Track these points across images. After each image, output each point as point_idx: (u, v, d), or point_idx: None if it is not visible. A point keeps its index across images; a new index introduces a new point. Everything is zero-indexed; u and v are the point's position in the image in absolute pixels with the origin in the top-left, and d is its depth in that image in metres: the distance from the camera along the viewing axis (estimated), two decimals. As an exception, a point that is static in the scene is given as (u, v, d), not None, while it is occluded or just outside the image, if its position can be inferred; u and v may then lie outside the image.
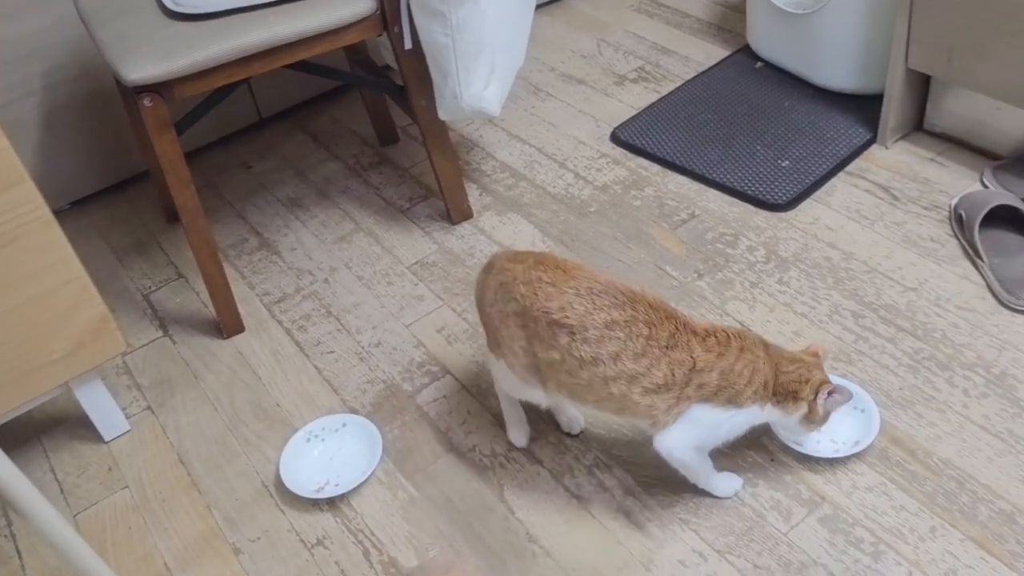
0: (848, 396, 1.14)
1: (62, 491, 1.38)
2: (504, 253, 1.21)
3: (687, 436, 1.11)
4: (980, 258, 1.44)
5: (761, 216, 1.64)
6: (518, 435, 1.32)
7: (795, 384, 1.12)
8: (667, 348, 1.08)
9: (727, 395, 1.09)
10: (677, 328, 1.09)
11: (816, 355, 1.17)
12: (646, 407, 1.09)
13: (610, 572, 1.15)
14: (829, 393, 1.12)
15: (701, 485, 1.20)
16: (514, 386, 1.22)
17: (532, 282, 1.12)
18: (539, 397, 1.19)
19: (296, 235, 1.79)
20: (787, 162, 1.73)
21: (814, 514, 1.18)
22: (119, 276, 1.77)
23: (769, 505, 1.20)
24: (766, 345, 1.14)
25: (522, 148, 1.91)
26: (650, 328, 1.08)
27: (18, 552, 1.31)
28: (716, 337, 1.10)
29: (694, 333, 1.09)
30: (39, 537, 1.06)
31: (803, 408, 1.12)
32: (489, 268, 1.20)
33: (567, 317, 1.08)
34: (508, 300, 1.13)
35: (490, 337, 1.21)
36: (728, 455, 1.24)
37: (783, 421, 1.15)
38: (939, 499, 1.17)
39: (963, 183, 1.62)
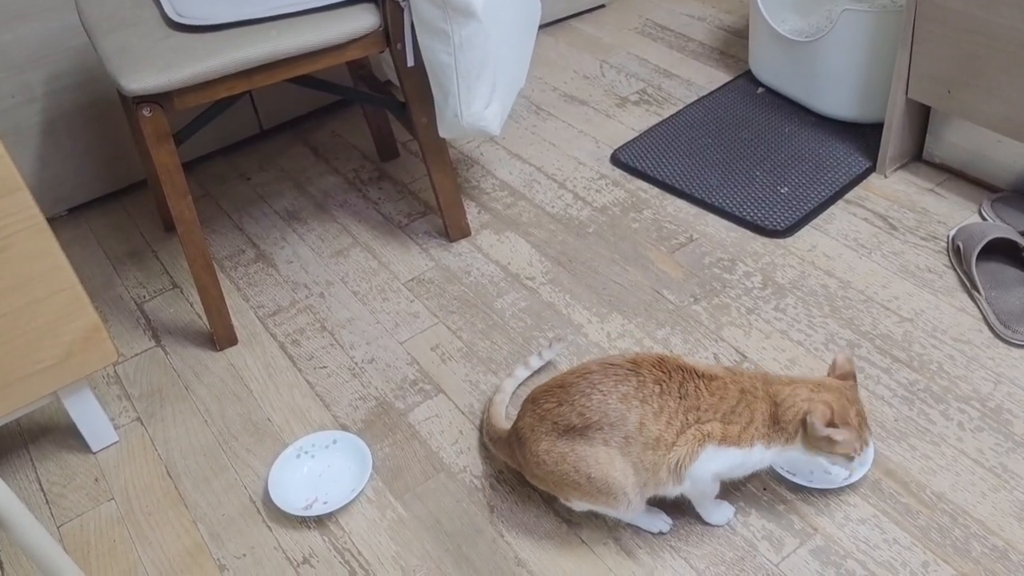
0: (827, 412, 1.07)
1: (47, 501, 1.37)
2: (498, 444, 1.26)
3: (707, 470, 1.11)
4: (977, 290, 1.44)
5: (759, 242, 1.63)
6: (660, 521, 1.21)
7: (788, 411, 1.10)
8: (681, 398, 1.10)
9: (731, 436, 1.10)
10: (685, 376, 1.11)
11: (846, 375, 1.14)
12: (675, 464, 1.10)
13: (598, 599, 1.14)
14: (804, 416, 1.08)
15: (698, 509, 1.20)
16: (634, 496, 1.13)
17: (546, 416, 1.13)
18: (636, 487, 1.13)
19: (293, 248, 1.78)
20: (786, 188, 1.73)
21: (806, 545, 1.17)
22: (114, 284, 1.76)
23: (761, 535, 1.18)
24: (767, 381, 1.13)
25: (522, 167, 1.91)
26: (660, 384, 1.10)
27: (0, 563, 1.30)
28: (718, 381, 1.11)
29: (701, 376, 1.11)
30: (18, 548, 1.05)
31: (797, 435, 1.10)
32: (507, 448, 1.24)
33: (589, 418, 1.09)
34: (539, 443, 1.14)
35: (563, 492, 1.18)
36: (721, 483, 1.23)
37: (800, 456, 1.13)
38: (932, 533, 1.16)
39: (961, 214, 1.62)
